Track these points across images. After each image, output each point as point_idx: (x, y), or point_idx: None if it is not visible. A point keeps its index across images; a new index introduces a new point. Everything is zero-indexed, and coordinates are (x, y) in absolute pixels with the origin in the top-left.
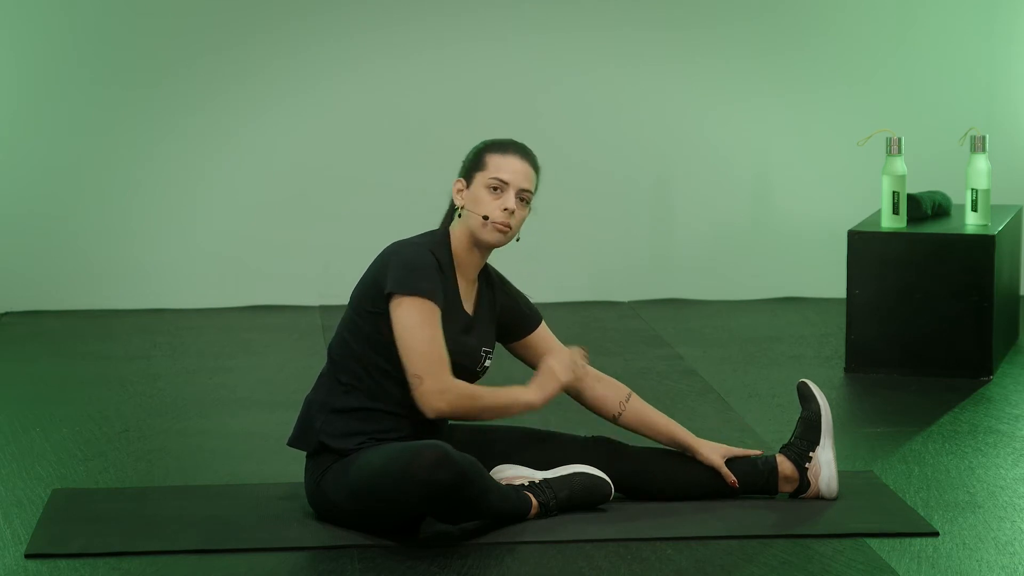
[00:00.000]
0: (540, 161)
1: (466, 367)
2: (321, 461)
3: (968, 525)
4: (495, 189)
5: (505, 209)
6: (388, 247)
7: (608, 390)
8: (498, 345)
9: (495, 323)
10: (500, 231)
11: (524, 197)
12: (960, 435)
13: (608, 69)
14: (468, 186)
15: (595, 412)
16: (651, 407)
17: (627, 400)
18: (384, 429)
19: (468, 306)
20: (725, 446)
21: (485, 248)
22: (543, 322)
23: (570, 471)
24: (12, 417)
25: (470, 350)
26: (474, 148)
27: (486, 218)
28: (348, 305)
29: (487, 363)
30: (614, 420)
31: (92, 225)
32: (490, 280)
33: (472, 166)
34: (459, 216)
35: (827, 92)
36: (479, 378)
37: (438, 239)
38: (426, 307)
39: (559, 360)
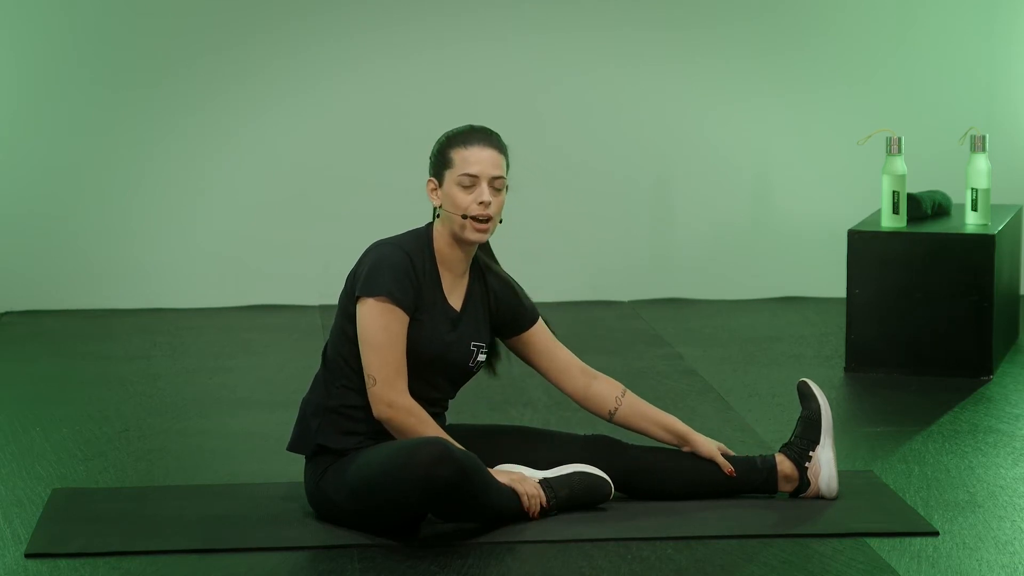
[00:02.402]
0: (516, 144)
1: (456, 364)
2: (320, 462)
3: (968, 525)
4: (467, 185)
5: (481, 203)
6: (368, 248)
7: (602, 388)
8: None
9: (489, 316)
10: (480, 230)
11: (497, 185)
12: (960, 435)
13: (608, 69)
14: (440, 185)
15: (590, 410)
16: (645, 402)
17: (622, 396)
18: (381, 429)
19: (455, 301)
20: (722, 445)
21: (468, 245)
22: (540, 320)
23: (570, 470)
24: (12, 417)
25: (458, 347)
26: (437, 143)
27: (465, 217)
28: (337, 307)
29: (480, 358)
30: (609, 417)
31: (92, 225)
32: (484, 273)
33: (439, 164)
34: (438, 216)
35: (827, 92)
36: (473, 374)
37: (420, 237)
38: (388, 310)
39: (529, 487)
